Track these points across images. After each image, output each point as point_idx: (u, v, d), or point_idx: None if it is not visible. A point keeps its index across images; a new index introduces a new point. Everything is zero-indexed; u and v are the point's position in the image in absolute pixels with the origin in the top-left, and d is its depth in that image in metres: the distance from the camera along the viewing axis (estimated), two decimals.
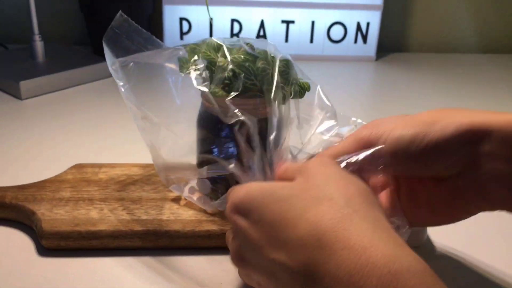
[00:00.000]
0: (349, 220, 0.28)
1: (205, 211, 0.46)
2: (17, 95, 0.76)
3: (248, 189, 0.33)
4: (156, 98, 0.45)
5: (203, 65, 0.44)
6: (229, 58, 0.43)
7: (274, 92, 0.44)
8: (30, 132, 0.67)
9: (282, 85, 0.45)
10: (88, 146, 0.64)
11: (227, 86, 0.43)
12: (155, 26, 1.00)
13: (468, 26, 1.14)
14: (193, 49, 0.45)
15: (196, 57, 0.44)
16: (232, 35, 1.00)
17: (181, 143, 0.47)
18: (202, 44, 0.46)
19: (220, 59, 0.44)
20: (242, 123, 0.41)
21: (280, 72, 0.45)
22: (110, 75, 0.48)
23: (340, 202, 0.29)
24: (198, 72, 0.44)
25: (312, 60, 1.03)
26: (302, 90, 0.47)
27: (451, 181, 0.37)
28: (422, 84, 0.96)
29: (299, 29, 1.01)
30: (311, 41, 1.02)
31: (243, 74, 0.43)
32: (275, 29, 1.00)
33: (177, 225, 0.44)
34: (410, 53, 1.13)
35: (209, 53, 0.44)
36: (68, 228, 0.43)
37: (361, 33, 1.02)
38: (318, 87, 0.49)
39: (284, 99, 0.45)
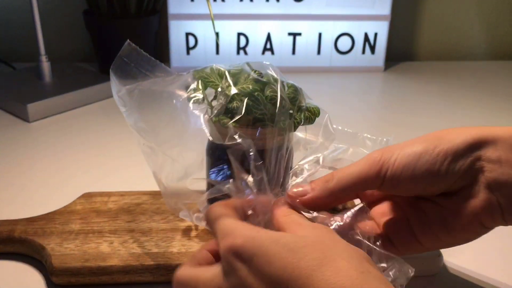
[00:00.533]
0: (366, 279, 0.27)
1: None
2: (25, 118, 0.76)
3: (252, 233, 0.32)
4: (162, 125, 0.44)
5: (213, 95, 0.43)
6: (235, 88, 0.43)
7: (284, 120, 0.43)
8: (38, 156, 0.67)
9: (291, 112, 0.44)
10: (97, 169, 0.64)
11: (236, 116, 0.43)
12: (161, 42, 1.00)
13: (477, 33, 1.12)
14: (202, 77, 0.44)
15: (202, 85, 0.44)
16: (238, 49, 0.99)
17: (177, 166, 0.46)
18: (209, 72, 0.46)
19: (228, 89, 0.43)
20: (236, 145, 0.41)
21: (289, 99, 0.44)
22: None
23: (354, 261, 0.29)
24: (207, 102, 0.43)
25: (320, 72, 1.02)
26: (312, 116, 0.46)
27: (463, 193, 0.36)
28: (432, 93, 0.95)
29: (306, 41, 1.00)
30: (319, 52, 1.01)
31: (251, 104, 0.42)
32: (282, 42, 1.00)
33: (187, 258, 0.44)
34: (419, 62, 1.12)
35: (218, 82, 0.44)
36: (78, 264, 0.43)
37: (369, 43, 1.01)
38: (327, 115, 0.48)
39: (293, 126, 0.44)
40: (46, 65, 0.83)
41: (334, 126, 0.49)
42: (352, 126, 0.82)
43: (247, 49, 0.99)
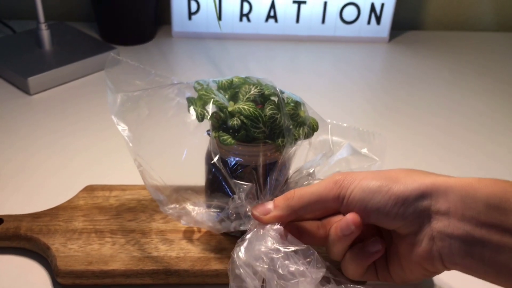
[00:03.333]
0: None
1: (213, 248, 0.47)
2: (25, 90, 0.76)
3: None
4: (161, 144, 0.45)
5: (213, 111, 0.44)
6: (236, 107, 0.43)
7: (283, 138, 0.44)
8: (41, 132, 0.68)
9: (291, 128, 0.45)
10: (102, 144, 0.65)
11: (236, 133, 0.43)
12: (163, 6, 0.98)
13: (487, 3, 1.09)
14: (202, 94, 0.44)
15: (202, 101, 0.44)
16: (241, 15, 0.97)
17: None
18: (210, 86, 0.46)
19: (230, 106, 0.44)
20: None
21: (289, 116, 0.45)
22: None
23: None
24: (207, 117, 0.44)
25: (323, 42, 1.00)
26: (311, 131, 0.47)
27: (409, 237, 0.38)
28: (437, 65, 0.94)
29: (311, 10, 0.98)
30: (323, 22, 0.99)
31: (250, 124, 0.43)
32: (286, 9, 0.98)
33: (186, 263, 0.46)
34: (425, 31, 1.10)
35: (218, 98, 0.44)
36: (82, 267, 0.45)
37: (375, 14, 0.99)
38: (330, 126, 0.49)
39: (293, 142, 0.45)
40: (45, 33, 0.82)
41: (329, 120, 0.50)
42: (354, 100, 0.83)
43: (250, 16, 0.98)
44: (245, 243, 0.40)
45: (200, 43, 0.97)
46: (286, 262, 0.39)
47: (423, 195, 0.37)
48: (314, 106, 0.48)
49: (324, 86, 0.86)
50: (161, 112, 0.45)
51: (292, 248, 0.39)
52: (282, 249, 0.39)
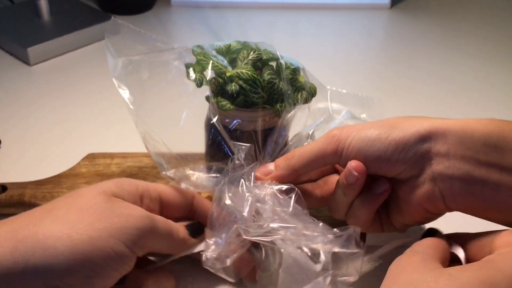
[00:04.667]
0: None
1: None
2: (25, 61, 0.76)
3: None
4: (162, 104, 0.45)
5: (212, 76, 0.44)
6: (234, 72, 0.43)
7: (282, 103, 0.44)
8: (41, 102, 0.68)
9: (289, 92, 0.45)
10: (103, 114, 0.66)
11: (234, 98, 0.44)
12: None
13: None
14: (200, 59, 0.44)
15: (201, 66, 0.44)
16: None
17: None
18: (209, 50, 0.46)
19: (228, 71, 0.44)
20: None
21: (288, 80, 0.45)
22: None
23: None
24: (205, 82, 0.44)
25: (324, 9, 0.99)
26: (309, 96, 0.47)
27: (410, 181, 0.39)
28: (438, 31, 0.93)
29: None
30: None
31: (249, 88, 0.43)
32: None
33: None
34: None
35: (217, 64, 0.44)
36: None
37: None
38: (329, 92, 0.49)
39: (291, 106, 0.45)
40: (44, 3, 0.81)
41: (328, 87, 0.50)
42: (354, 67, 0.83)
43: None
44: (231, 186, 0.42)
45: (199, 12, 0.96)
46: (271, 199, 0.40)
47: (423, 138, 0.37)
48: (314, 73, 0.48)
49: (325, 54, 0.86)
50: (162, 76, 0.45)
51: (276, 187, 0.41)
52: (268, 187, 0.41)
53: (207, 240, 0.42)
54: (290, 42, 0.89)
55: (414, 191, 0.38)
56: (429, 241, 0.36)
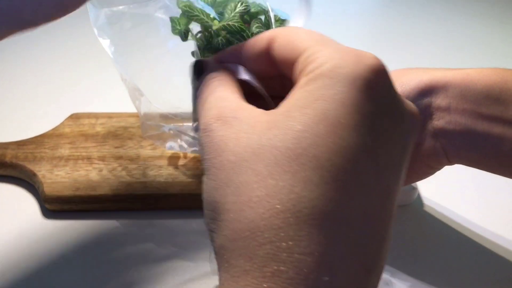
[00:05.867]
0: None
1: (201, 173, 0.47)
2: None
3: None
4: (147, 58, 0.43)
5: (198, 31, 0.42)
6: (221, 24, 0.41)
7: None
8: (23, 60, 0.66)
9: None
10: (86, 74, 0.63)
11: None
12: None
13: None
14: (186, 10, 0.42)
15: (186, 19, 0.42)
16: None
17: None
18: (195, 1, 0.44)
19: (214, 24, 0.42)
20: None
21: None
22: None
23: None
24: (191, 36, 0.42)
25: None
26: None
27: None
28: (440, 7, 0.91)
29: None
30: None
31: (236, 42, 0.41)
32: None
33: (175, 188, 0.46)
34: None
35: (203, 16, 0.42)
36: (69, 193, 0.44)
37: None
38: None
39: None
40: None
41: None
42: (349, 23, 0.81)
43: None
44: None
45: None
46: None
47: (422, 92, 0.36)
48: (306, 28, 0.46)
49: (316, 10, 0.83)
50: (146, 28, 0.43)
51: None
52: None
53: None
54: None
55: (416, 148, 0.37)
56: (213, 83, 0.27)
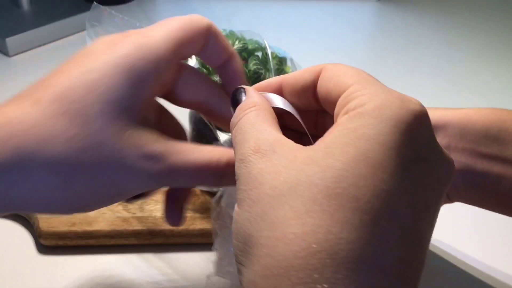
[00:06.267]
0: None
1: (198, 208, 0.47)
2: (4, 52, 0.74)
3: None
4: None
5: (197, 66, 0.42)
6: None
7: None
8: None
9: None
10: None
11: None
12: None
13: None
14: None
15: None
16: None
17: None
18: None
19: None
20: None
21: (274, 71, 0.44)
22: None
23: None
24: None
25: (310, 0, 0.98)
26: None
27: None
28: (426, 24, 0.92)
29: None
30: None
31: None
32: None
33: None
34: None
35: None
36: (65, 228, 0.44)
37: None
38: None
39: None
40: None
41: None
42: (342, 60, 0.82)
43: None
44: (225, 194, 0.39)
45: (185, 3, 0.94)
46: None
47: None
48: (301, 65, 0.47)
49: (312, 46, 0.85)
50: None
51: None
52: None
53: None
54: (277, 33, 0.87)
55: None
56: (250, 103, 0.27)
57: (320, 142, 0.22)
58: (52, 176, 0.26)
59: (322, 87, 0.26)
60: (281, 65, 0.44)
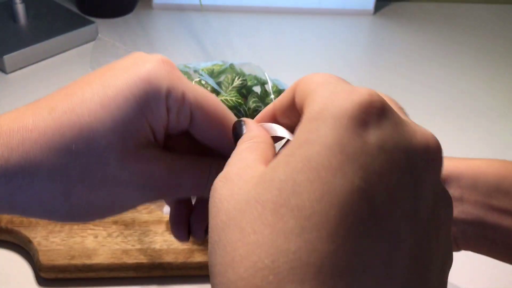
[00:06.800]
0: None
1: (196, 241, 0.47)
2: (1, 69, 0.74)
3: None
4: None
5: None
6: (219, 99, 0.42)
7: None
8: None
9: None
10: None
11: None
12: None
13: None
14: None
15: None
16: None
17: None
18: (192, 74, 0.45)
19: None
20: None
21: None
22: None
23: None
24: None
25: (307, 14, 0.98)
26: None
27: None
28: (423, 38, 0.93)
29: None
30: None
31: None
32: None
33: (169, 256, 0.46)
34: (411, 3, 1.08)
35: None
36: (64, 261, 0.45)
37: None
38: None
39: None
40: (20, 7, 0.79)
41: None
42: (338, 73, 0.82)
43: None
44: None
45: (182, 15, 0.94)
46: None
47: None
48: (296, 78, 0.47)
49: (307, 59, 0.85)
50: None
51: None
52: None
53: None
54: (273, 48, 0.88)
55: None
56: (245, 136, 0.27)
57: (274, 159, 0.22)
58: (55, 184, 0.26)
59: (297, 102, 0.25)
60: None
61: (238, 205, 0.21)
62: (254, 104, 0.43)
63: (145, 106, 0.28)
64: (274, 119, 0.29)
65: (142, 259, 0.46)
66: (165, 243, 0.47)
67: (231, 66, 0.46)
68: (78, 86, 0.29)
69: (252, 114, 0.43)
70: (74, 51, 0.80)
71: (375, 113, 0.21)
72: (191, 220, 0.33)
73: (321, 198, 0.19)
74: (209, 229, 0.22)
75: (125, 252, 0.46)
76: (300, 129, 0.21)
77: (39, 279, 0.46)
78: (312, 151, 0.20)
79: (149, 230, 0.48)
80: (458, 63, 0.87)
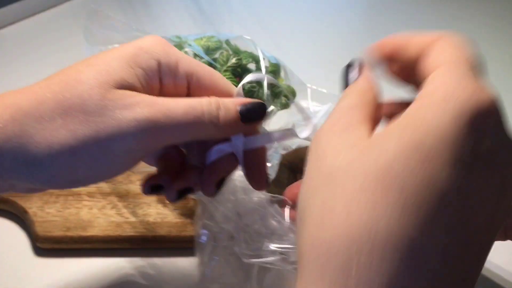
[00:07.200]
0: None
1: (189, 212, 0.48)
2: None
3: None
4: None
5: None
6: None
7: None
8: (7, 69, 0.65)
9: (268, 100, 0.44)
10: None
11: None
12: None
13: None
14: None
15: None
16: None
17: None
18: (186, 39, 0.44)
19: None
20: None
21: (268, 86, 0.44)
22: None
23: None
24: None
25: None
26: (288, 101, 0.46)
27: None
28: (422, 6, 0.91)
29: None
30: None
31: None
32: None
33: (163, 229, 0.47)
34: None
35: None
36: (60, 233, 0.46)
37: None
38: (309, 91, 0.48)
39: (270, 114, 0.45)
40: None
41: (309, 85, 0.49)
42: (335, 45, 0.81)
43: None
44: None
45: None
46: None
47: None
48: (294, 63, 0.47)
49: (305, 31, 0.84)
50: None
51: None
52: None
53: None
54: (271, 13, 0.85)
55: None
56: (354, 88, 0.28)
57: (384, 129, 0.23)
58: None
59: (421, 63, 0.25)
60: (275, 76, 0.45)
61: (343, 165, 0.23)
62: (249, 85, 0.43)
63: (132, 61, 0.31)
64: (392, 55, 0.28)
65: (137, 232, 0.47)
66: (158, 216, 0.48)
67: (227, 42, 0.45)
68: (78, 64, 0.32)
69: (247, 95, 0.43)
70: (66, 5, 0.78)
71: (492, 124, 0.22)
72: (203, 177, 0.35)
73: (426, 187, 0.20)
74: (308, 171, 0.25)
75: (120, 225, 0.47)
76: (419, 105, 0.22)
77: (35, 248, 0.47)
78: (428, 138, 0.21)
79: (143, 203, 0.49)
80: (467, 16, 0.85)
